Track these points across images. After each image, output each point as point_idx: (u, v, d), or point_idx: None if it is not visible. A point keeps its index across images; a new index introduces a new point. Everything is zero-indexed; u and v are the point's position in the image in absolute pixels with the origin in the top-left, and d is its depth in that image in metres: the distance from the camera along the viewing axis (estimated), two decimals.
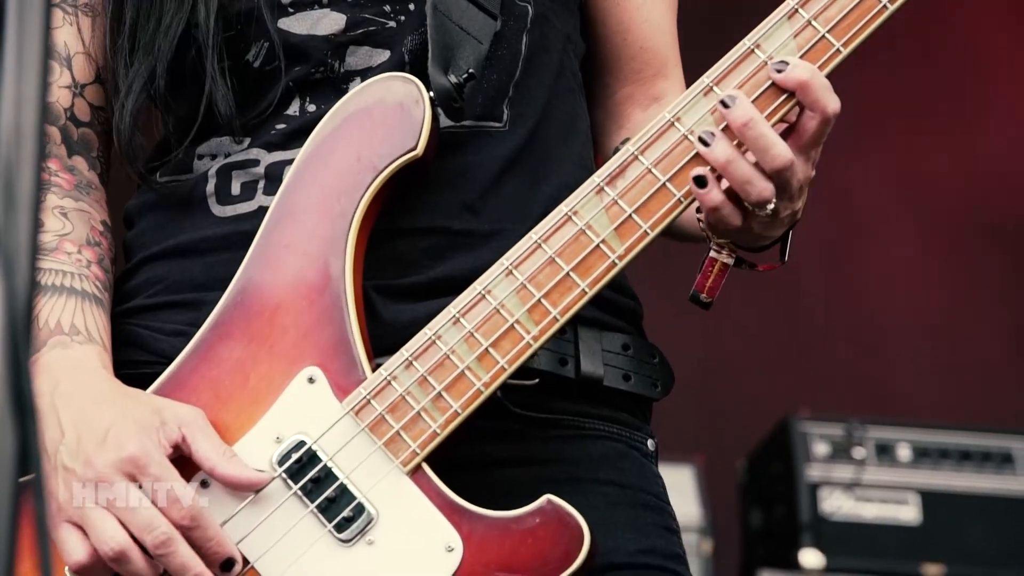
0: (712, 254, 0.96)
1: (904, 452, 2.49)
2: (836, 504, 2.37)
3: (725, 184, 0.89)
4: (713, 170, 0.90)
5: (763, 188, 0.88)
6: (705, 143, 0.89)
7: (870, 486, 2.43)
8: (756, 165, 0.89)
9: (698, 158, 0.91)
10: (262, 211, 1.00)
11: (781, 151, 0.88)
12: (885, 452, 2.46)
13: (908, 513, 2.44)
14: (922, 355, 3.63)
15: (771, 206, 0.90)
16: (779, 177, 0.89)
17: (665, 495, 1.08)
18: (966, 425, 2.76)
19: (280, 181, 1.01)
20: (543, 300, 0.93)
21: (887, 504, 2.47)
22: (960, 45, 3.87)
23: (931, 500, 2.48)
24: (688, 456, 2.68)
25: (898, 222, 3.77)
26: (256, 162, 1.04)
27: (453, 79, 0.96)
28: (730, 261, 0.95)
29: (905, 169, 3.92)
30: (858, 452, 2.42)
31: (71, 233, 1.03)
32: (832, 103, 0.90)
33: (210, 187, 1.05)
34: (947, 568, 2.43)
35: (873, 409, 3.08)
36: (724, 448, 3.10)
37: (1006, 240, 3.70)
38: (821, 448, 2.52)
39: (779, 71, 0.89)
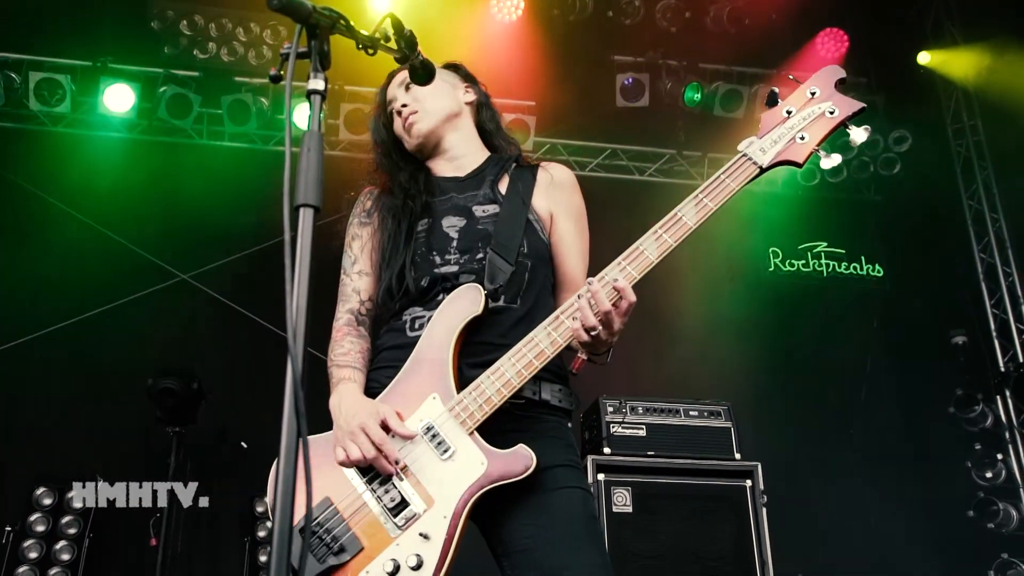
0: (580, 355, 2.04)
1: (639, 408, 5.12)
2: (614, 429, 5.08)
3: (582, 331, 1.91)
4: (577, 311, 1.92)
5: (595, 323, 1.89)
6: (579, 295, 1.93)
7: (626, 424, 5.10)
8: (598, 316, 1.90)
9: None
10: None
11: (604, 307, 1.88)
12: (632, 410, 5.10)
13: (640, 431, 5.05)
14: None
15: (597, 331, 1.90)
16: (605, 319, 1.90)
17: (573, 440, 2.20)
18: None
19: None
20: (523, 370, 1.99)
21: (631, 428, 5.19)
22: None
23: (651, 428, 5.12)
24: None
25: None
26: (424, 315, 2.17)
27: (491, 287, 2.12)
28: (585, 357, 2.03)
29: None
30: (623, 410, 5.19)
31: (355, 348, 2.19)
32: (631, 298, 1.91)
33: (407, 326, 2.19)
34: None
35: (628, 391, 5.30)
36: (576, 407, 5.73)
37: None
38: (609, 409, 5.10)
39: (615, 281, 1.91)
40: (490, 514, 2.03)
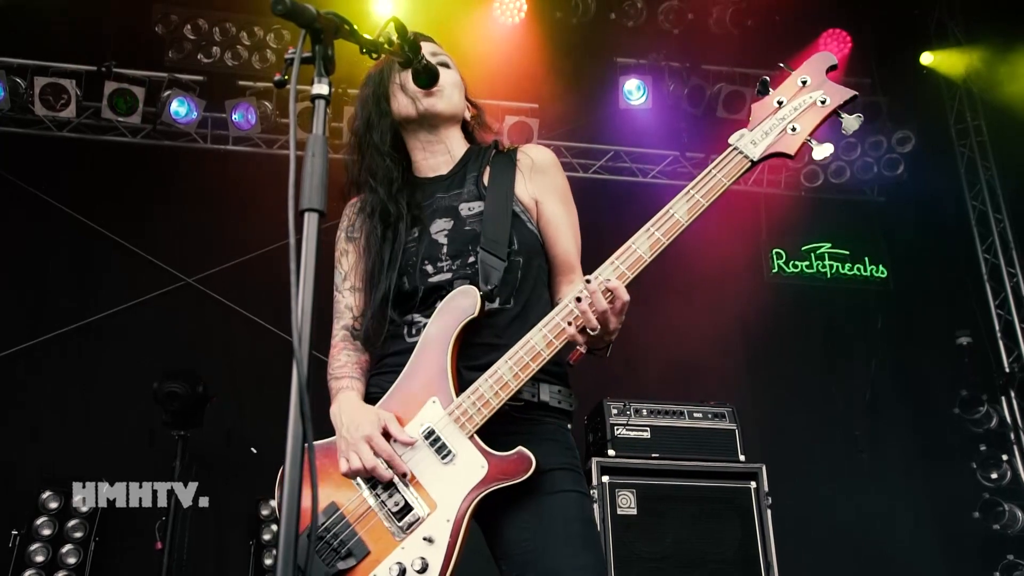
0: (579, 347, 1.95)
1: (644, 410, 5.20)
2: (619, 431, 5.12)
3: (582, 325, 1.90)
4: (577, 318, 1.91)
5: (595, 323, 1.88)
6: (578, 299, 1.90)
7: (630, 427, 5.17)
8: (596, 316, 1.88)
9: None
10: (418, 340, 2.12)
11: (601, 307, 1.86)
12: (636, 412, 5.21)
13: (644, 434, 5.12)
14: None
15: (596, 331, 1.89)
16: (602, 318, 1.88)
17: (573, 442, 2.18)
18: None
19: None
20: (520, 372, 1.97)
21: (635, 430, 5.19)
22: None
23: (655, 430, 5.15)
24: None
25: None
26: (420, 321, 2.16)
27: (486, 289, 2.08)
28: (584, 350, 1.95)
29: None
30: (627, 413, 5.21)
31: (351, 360, 2.20)
32: (625, 297, 1.89)
33: (405, 331, 2.18)
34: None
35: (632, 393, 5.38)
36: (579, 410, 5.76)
37: None
38: (614, 411, 5.16)
39: (607, 281, 1.88)
40: (491, 515, 2.03)
